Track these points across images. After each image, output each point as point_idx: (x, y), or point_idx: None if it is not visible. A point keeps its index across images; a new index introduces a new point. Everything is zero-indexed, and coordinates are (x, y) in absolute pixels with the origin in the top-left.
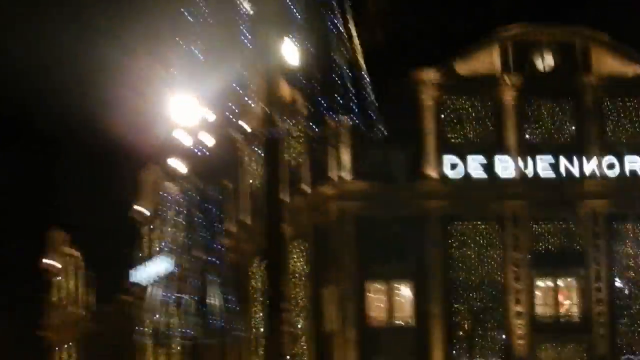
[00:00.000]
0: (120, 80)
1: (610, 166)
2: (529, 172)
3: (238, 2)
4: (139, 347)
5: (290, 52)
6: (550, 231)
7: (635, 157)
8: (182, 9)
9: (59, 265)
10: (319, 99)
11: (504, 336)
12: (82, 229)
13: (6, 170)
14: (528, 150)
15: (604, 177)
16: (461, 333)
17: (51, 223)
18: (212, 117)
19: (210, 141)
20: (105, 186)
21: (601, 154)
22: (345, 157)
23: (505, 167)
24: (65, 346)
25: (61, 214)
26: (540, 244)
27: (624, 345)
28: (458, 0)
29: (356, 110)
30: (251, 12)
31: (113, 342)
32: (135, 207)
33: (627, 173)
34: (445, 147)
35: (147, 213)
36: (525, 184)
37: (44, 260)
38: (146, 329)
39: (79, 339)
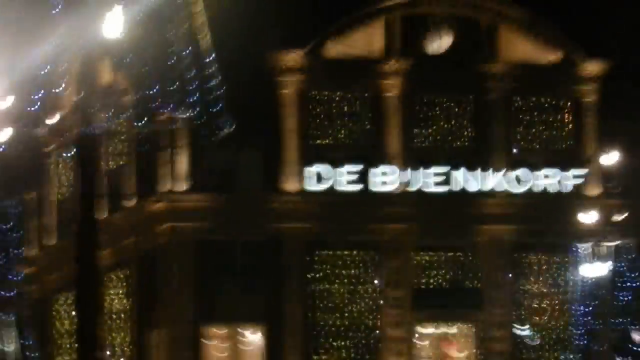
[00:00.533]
0: None
1: (518, 180)
2: (415, 186)
3: None
4: None
5: (115, 26)
6: (440, 263)
7: (549, 170)
8: None
9: None
10: (149, 86)
11: None
12: None
13: None
14: (415, 157)
15: (508, 194)
16: None
17: None
18: (10, 106)
19: (7, 137)
20: None
21: (508, 166)
22: (181, 163)
23: (385, 179)
24: None
25: None
26: (427, 280)
27: None
28: None
29: (197, 102)
30: None
31: None
32: None
33: (539, 190)
34: (309, 152)
35: None
36: (410, 201)
37: None
38: None
39: None
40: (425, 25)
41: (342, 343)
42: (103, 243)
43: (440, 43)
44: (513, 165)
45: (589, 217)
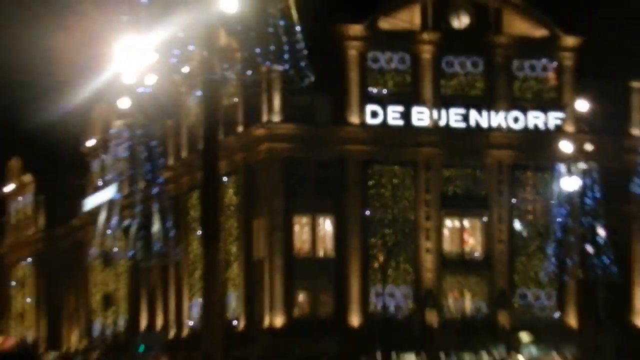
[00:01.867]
0: (71, 23)
1: (516, 120)
2: (442, 122)
3: None
4: (88, 267)
5: (229, 3)
6: (459, 176)
7: (538, 113)
8: None
9: (12, 190)
10: (254, 46)
11: (413, 269)
12: (37, 158)
13: None
14: (442, 102)
15: (509, 129)
16: (376, 265)
17: (9, 154)
18: (156, 60)
19: (154, 82)
20: (60, 123)
21: (508, 109)
22: (276, 101)
23: (421, 117)
24: (21, 264)
25: (18, 145)
26: (450, 188)
27: (520, 282)
28: None
29: (287, 58)
30: None
31: (65, 262)
32: (87, 142)
33: (531, 127)
34: (366, 96)
35: (97, 148)
36: (438, 133)
37: (3, 188)
38: (94, 251)
39: (33, 258)
40: (450, 7)
41: (389, 230)
42: (220, 157)
43: (461, 20)
44: (512, 108)
45: (566, 147)
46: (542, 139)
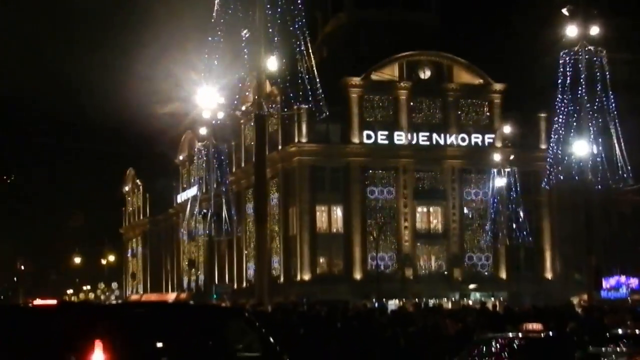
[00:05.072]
0: (168, 80)
1: (463, 139)
2: (414, 141)
3: (241, 31)
4: (179, 242)
5: (272, 63)
6: (426, 177)
7: (478, 134)
8: (209, 38)
9: (129, 189)
10: (289, 92)
11: (396, 240)
12: (146, 168)
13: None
14: (414, 128)
15: (459, 145)
16: (371, 238)
17: (126, 165)
18: (224, 102)
19: (222, 117)
20: (159, 144)
21: (457, 132)
22: (304, 128)
23: (400, 138)
24: (135, 240)
25: (133, 159)
26: (420, 185)
27: (468, 248)
28: (372, 32)
29: (310, 99)
30: (248, 36)
31: (164, 238)
32: (179, 156)
33: (473, 144)
34: (363, 124)
35: (185, 160)
36: (411, 148)
37: (124, 188)
38: (183, 231)
39: (143, 235)
40: (418, 65)
41: (380, 215)
42: (267, 166)
43: (425, 73)
44: (460, 132)
45: (496, 157)
46: (481, 152)
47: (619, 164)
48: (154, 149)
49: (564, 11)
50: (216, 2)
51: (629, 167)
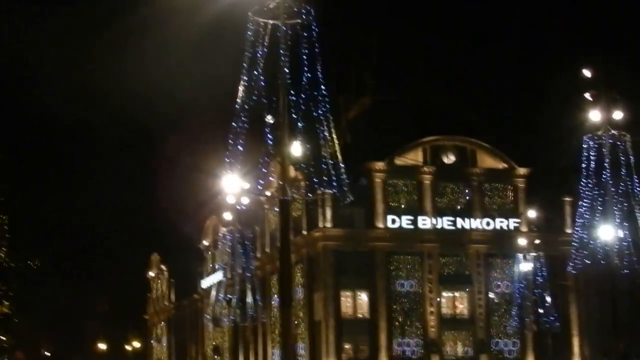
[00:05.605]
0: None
1: (487, 224)
2: (438, 226)
3: (265, 117)
4: (203, 327)
5: (296, 149)
6: (451, 262)
7: (502, 219)
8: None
9: (154, 275)
10: (313, 177)
11: (422, 326)
12: (170, 253)
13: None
14: (438, 213)
15: (483, 230)
16: (397, 323)
17: (151, 251)
18: (248, 187)
19: (247, 202)
20: (185, 230)
21: (482, 216)
22: (328, 213)
23: (424, 222)
24: (159, 325)
25: (158, 244)
26: (445, 270)
27: (494, 334)
28: (395, 116)
29: (334, 184)
30: (272, 122)
31: (188, 324)
32: (203, 242)
33: (498, 228)
34: (388, 209)
35: (210, 245)
36: (436, 233)
37: (148, 273)
38: (208, 316)
39: (167, 321)
40: (442, 149)
41: (405, 300)
42: (292, 251)
43: (449, 158)
44: (485, 216)
45: (521, 241)
46: (506, 237)
47: None
48: (178, 234)
49: (587, 96)
50: (240, 88)
51: None
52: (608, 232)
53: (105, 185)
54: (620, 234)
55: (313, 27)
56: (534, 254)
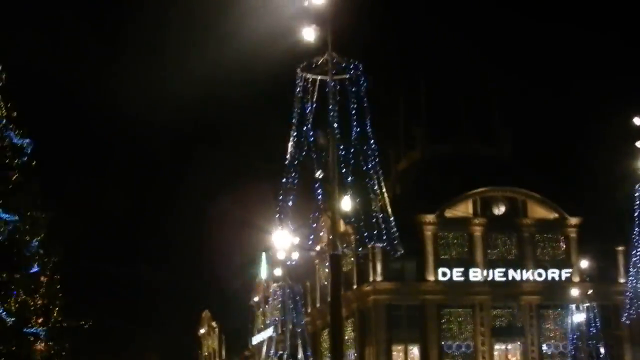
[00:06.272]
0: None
1: (539, 275)
2: (490, 278)
3: (315, 172)
4: None
5: (346, 204)
6: (503, 314)
7: (554, 269)
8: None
9: (204, 332)
10: (363, 231)
11: None
12: (220, 310)
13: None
14: (489, 264)
15: (535, 281)
16: None
17: (202, 308)
18: (298, 242)
19: (297, 257)
20: (236, 287)
21: (534, 268)
22: (378, 267)
23: (475, 275)
24: None
25: (209, 303)
26: (497, 322)
27: None
28: (444, 168)
29: (385, 238)
30: (321, 176)
31: None
32: (254, 298)
33: (550, 279)
34: (438, 261)
35: (260, 302)
36: (487, 285)
37: (199, 330)
38: None
39: None
40: (492, 200)
41: (457, 353)
42: (343, 306)
43: (499, 209)
44: (537, 267)
45: (574, 292)
46: (558, 287)
47: None
48: (229, 291)
49: (638, 144)
50: (290, 144)
51: None
52: None
53: (156, 242)
54: None
55: (361, 82)
56: (587, 304)
